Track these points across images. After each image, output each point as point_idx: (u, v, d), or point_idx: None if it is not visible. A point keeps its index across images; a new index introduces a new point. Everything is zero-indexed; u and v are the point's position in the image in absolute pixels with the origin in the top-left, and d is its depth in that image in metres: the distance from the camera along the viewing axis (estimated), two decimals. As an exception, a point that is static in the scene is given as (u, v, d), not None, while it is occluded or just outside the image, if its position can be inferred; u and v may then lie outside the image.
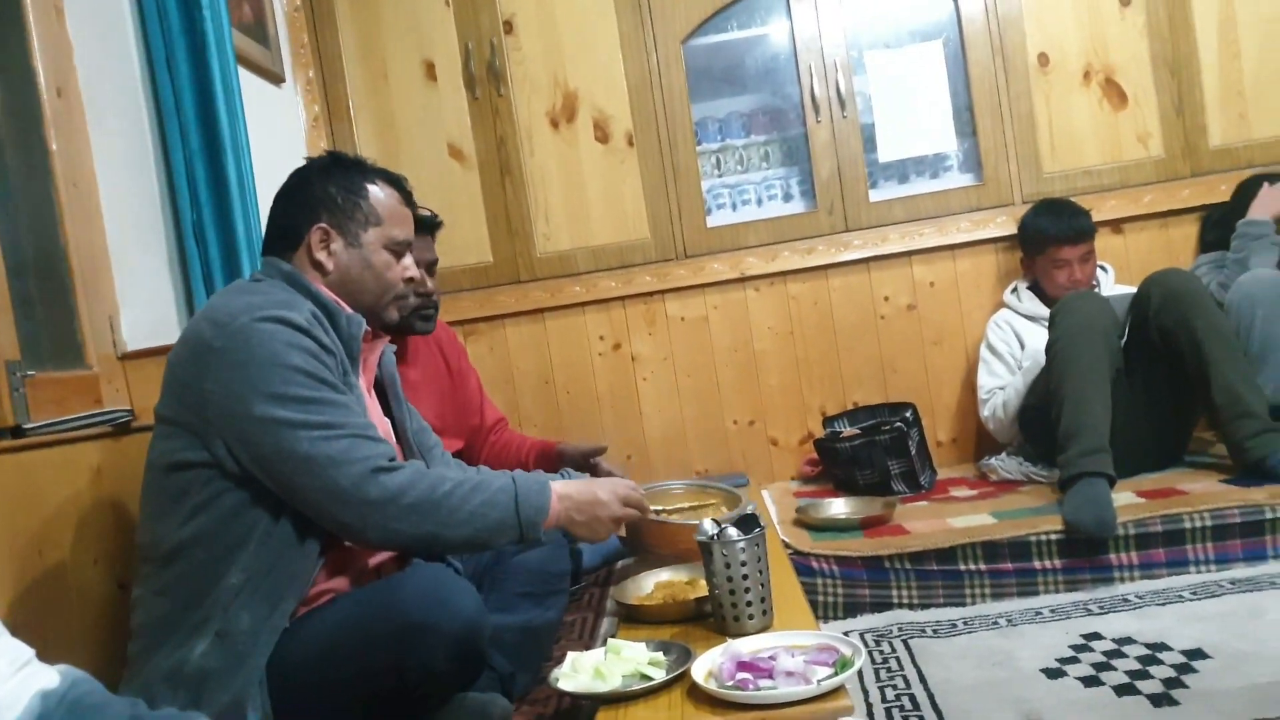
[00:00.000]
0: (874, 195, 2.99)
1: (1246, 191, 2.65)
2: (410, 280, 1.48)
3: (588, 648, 1.56)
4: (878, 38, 3.01)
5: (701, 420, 2.99)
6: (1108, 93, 2.92)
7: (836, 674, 1.19)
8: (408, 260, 1.47)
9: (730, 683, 1.21)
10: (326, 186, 1.43)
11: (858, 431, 2.67)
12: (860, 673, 1.73)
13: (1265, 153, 2.85)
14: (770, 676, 1.20)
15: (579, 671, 1.33)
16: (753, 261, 2.95)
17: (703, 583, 1.62)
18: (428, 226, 1.96)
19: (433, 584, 1.27)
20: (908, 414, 2.67)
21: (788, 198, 3.09)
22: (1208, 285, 2.49)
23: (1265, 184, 2.61)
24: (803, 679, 1.18)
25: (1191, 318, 2.23)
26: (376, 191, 1.45)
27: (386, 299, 1.45)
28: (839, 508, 2.43)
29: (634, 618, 1.60)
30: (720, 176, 3.13)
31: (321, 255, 1.40)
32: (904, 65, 2.99)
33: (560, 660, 1.37)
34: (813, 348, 2.97)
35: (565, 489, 1.42)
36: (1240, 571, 2.00)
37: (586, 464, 2.12)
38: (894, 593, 2.13)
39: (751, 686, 1.18)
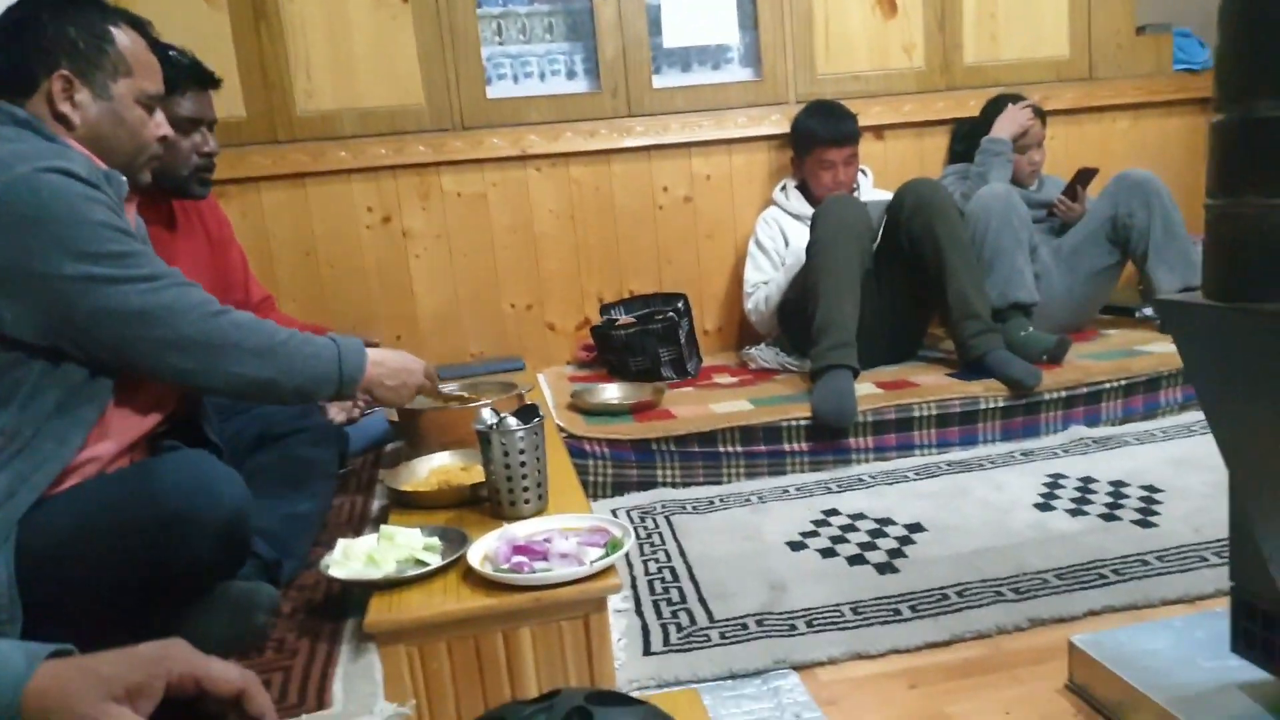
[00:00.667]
0: (657, 81, 2.99)
1: (992, 110, 2.88)
2: (164, 139, 1.34)
3: (357, 533, 1.54)
4: (669, -83, 2.96)
5: (477, 302, 2.94)
6: (880, 1, 3.04)
7: (607, 554, 1.24)
8: (160, 116, 1.34)
9: (505, 566, 1.24)
10: (64, 26, 1.24)
11: (633, 320, 2.74)
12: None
13: (1011, 73, 3.10)
14: (545, 559, 1.24)
15: (351, 558, 1.31)
16: (535, 140, 2.89)
17: (478, 469, 1.63)
18: (209, 81, 1.78)
19: (195, 470, 1.19)
20: (679, 304, 2.76)
21: (571, 74, 3.03)
22: (952, 194, 2.71)
23: (1009, 104, 2.85)
24: (576, 560, 1.23)
25: (936, 225, 2.43)
26: (122, 37, 1.28)
27: (141, 159, 1.33)
28: (611, 393, 2.50)
29: (407, 503, 1.59)
30: (501, 44, 3.00)
31: (65, 107, 1.25)
32: (694, -50, 2.97)
33: (330, 546, 1.34)
34: (593, 234, 2.98)
35: (377, 354, 1.48)
36: (956, 454, 2.27)
37: None
38: (659, 472, 2.24)
39: (527, 569, 1.22)
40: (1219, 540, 1.65)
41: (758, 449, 2.26)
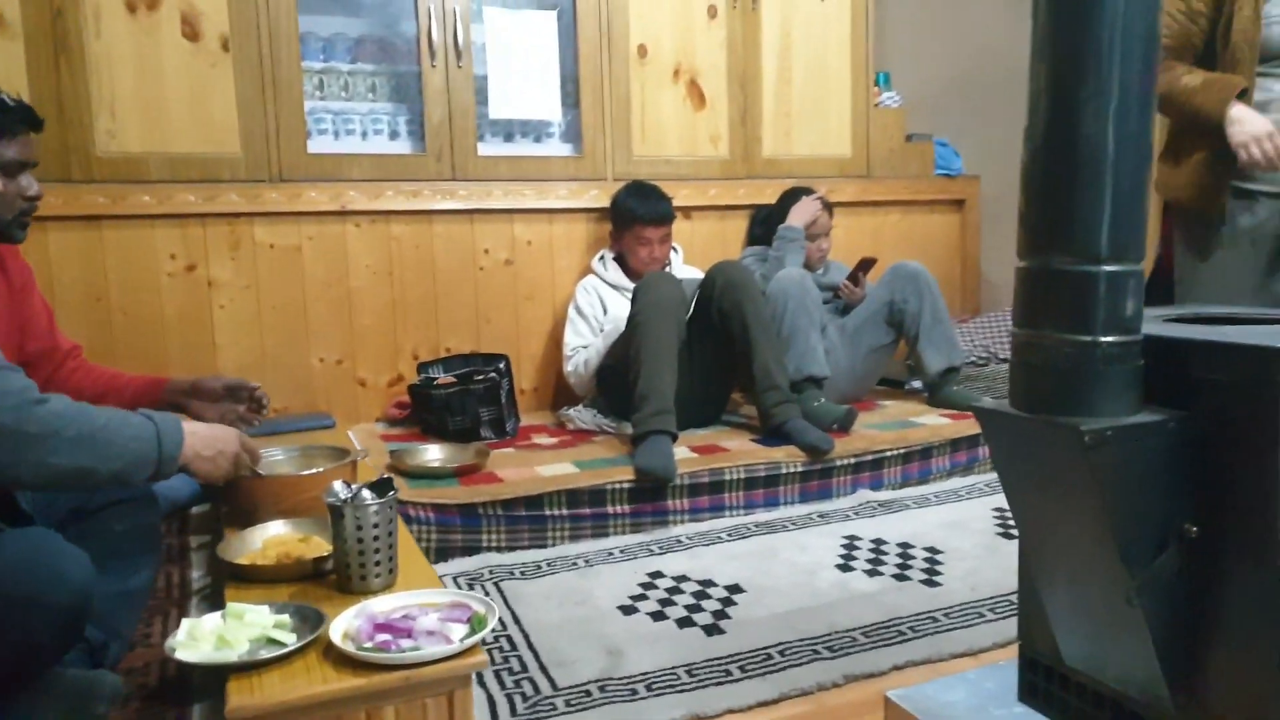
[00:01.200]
0: (482, 149, 3.05)
1: (788, 199, 3.18)
2: (32, 199, 1.30)
3: (182, 609, 1.48)
4: (497, -5, 3.06)
5: (284, 355, 2.85)
6: (691, 93, 3.28)
7: (475, 631, 1.28)
8: (26, 179, 1.29)
9: (369, 644, 1.24)
10: None
11: (453, 379, 2.76)
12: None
13: (802, 167, 3.43)
14: (410, 636, 1.26)
15: (199, 639, 1.26)
16: (355, 196, 2.87)
17: (318, 540, 1.61)
18: (37, 125, 1.66)
19: (36, 550, 1.12)
20: (501, 364, 2.82)
21: (394, 135, 3.04)
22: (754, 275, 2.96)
23: (802, 196, 3.15)
24: (443, 638, 1.25)
25: (744, 304, 2.64)
26: None
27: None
28: (434, 454, 2.50)
29: (244, 578, 1.53)
30: (322, 100, 2.97)
31: None
32: (520, 27, 3.08)
33: (149, 624, 1.29)
34: (411, 291, 2.98)
35: (193, 426, 1.41)
36: (761, 516, 2.46)
37: (199, 393, 1.94)
38: (484, 537, 2.27)
39: (394, 647, 1.23)
40: (992, 598, 1.90)
41: (583, 511, 2.34)
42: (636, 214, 2.94)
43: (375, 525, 1.44)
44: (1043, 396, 1.05)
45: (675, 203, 3.16)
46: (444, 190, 2.97)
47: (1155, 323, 1.16)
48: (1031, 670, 1.29)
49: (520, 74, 3.08)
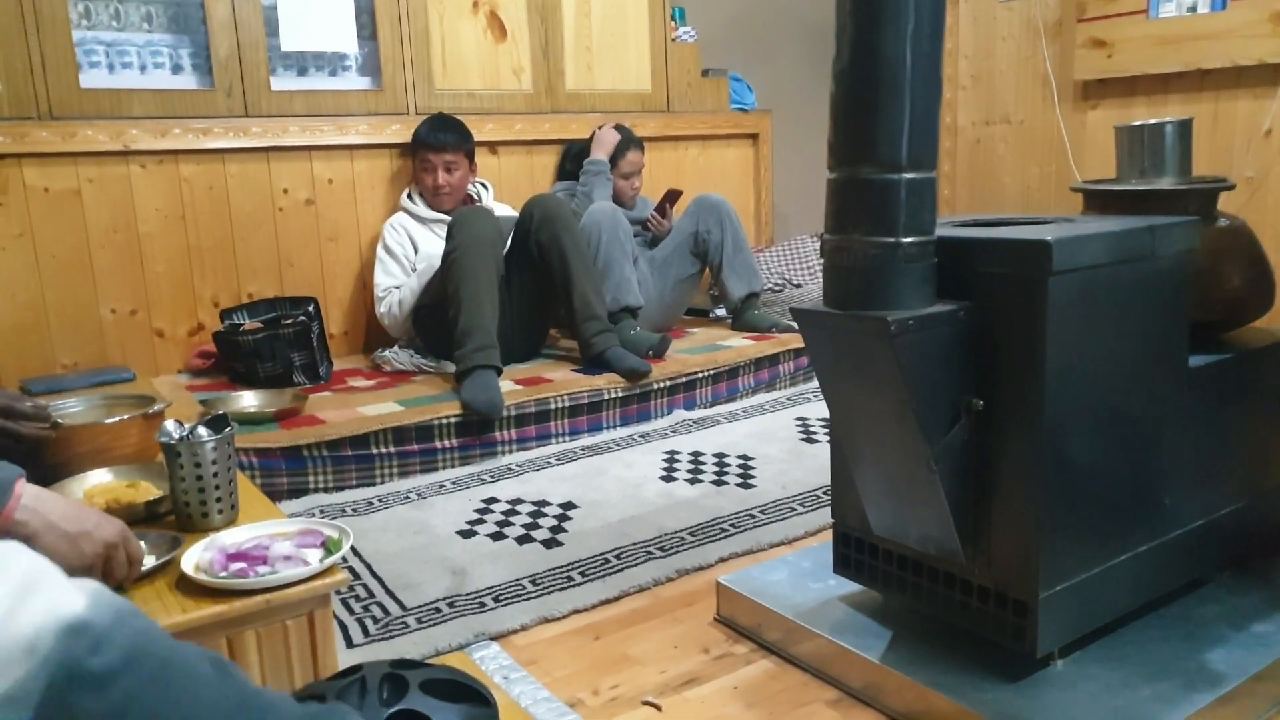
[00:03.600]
0: (275, 83, 2.91)
1: (593, 135, 3.24)
2: None
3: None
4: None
5: (70, 308, 2.64)
6: (492, 25, 3.25)
7: (331, 553, 1.29)
8: None
9: (225, 574, 1.23)
10: None
11: (260, 325, 2.65)
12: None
13: (606, 101, 3.49)
14: (265, 563, 1.26)
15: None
16: (138, 135, 2.66)
17: (146, 485, 1.55)
18: None
19: None
20: (310, 307, 2.73)
21: (177, 69, 2.84)
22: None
23: (603, 128, 3.22)
24: (300, 561, 1.26)
25: (562, 237, 2.70)
26: None
27: None
28: (249, 400, 2.42)
29: (66, 528, 1.45)
30: (90, 29, 2.72)
31: None
32: (310, -47, 2.94)
33: None
34: (206, 235, 2.82)
35: (46, 492, 1.14)
36: (587, 440, 2.55)
37: None
38: (311, 478, 2.23)
39: (252, 574, 1.23)
40: (800, 494, 2.10)
41: (410, 448, 2.35)
42: (418, 138, 2.93)
43: (214, 462, 1.41)
44: (853, 293, 1.18)
45: (481, 137, 3.15)
46: (236, 127, 2.81)
47: (945, 226, 1.33)
48: (845, 544, 1.46)
49: (312, 4, 2.94)
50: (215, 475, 1.42)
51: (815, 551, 1.68)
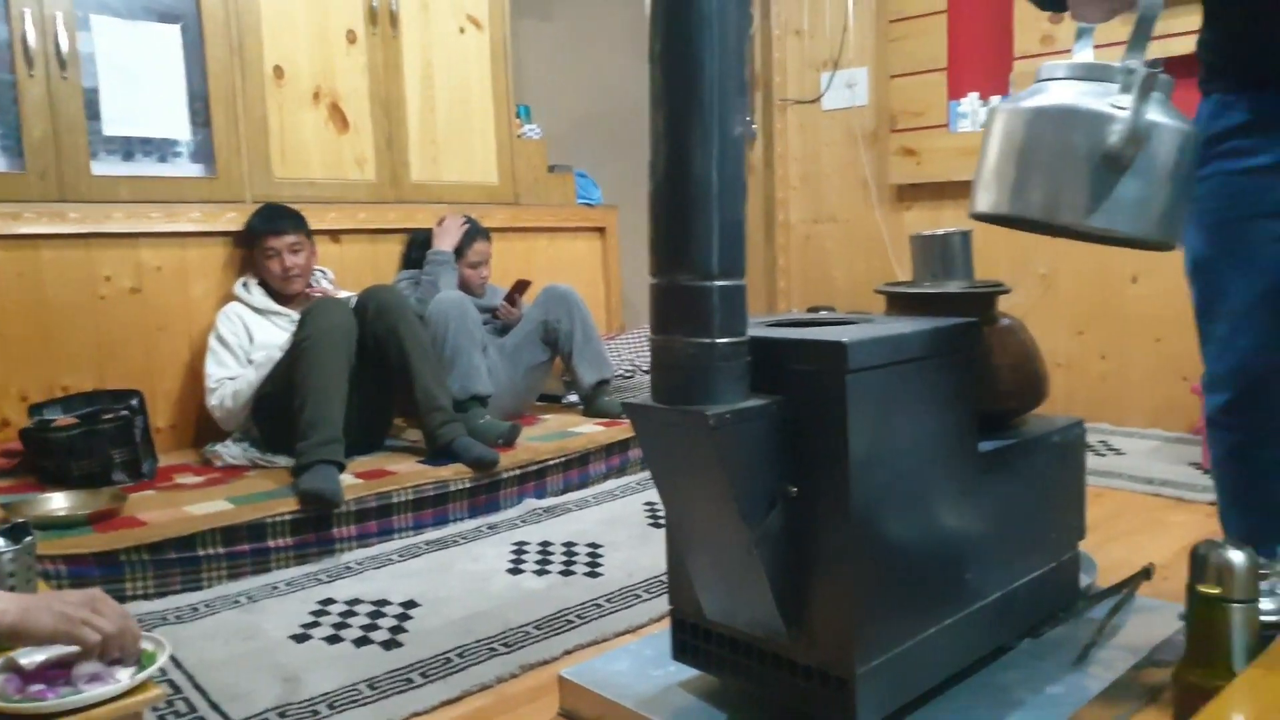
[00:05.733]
0: (96, 168, 2.81)
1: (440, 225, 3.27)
2: None
3: None
4: (106, 3, 2.83)
5: None
6: (334, 116, 3.26)
7: (145, 668, 1.23)
8: None
9: (20, 697, 1.15)
10: None
11: (75, 420, 2.50)
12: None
13: (452, 192, 3.54)
14: (68, 683, 1.18)
15: None
16: (-58, 220, 2.51)
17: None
18: None
19: None
20: (134, 401, 2.61)
21: (-13, 152, 2.70)
22: (409, 299, 3.01)
23: (446, 219, 3.26)
24: (110, 679, 1.19)
25: (400, 328, 2.69)
26: None
27: None
28: (59, 503, 2.27)
29: None
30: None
31: None
32: (137, 39, 2.88)
33: None
34: (14, 325, 2.66)
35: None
36: (432, 534, 2.51)
37: None
38: (129, 585, 2.10)
39: (51, 696, 1.15)
40: (646, 580, 2.13)
41: (241, 549, 2.25)
42: (257, 229, 2.90)
43: (11, 575, 1.32)
44: (676, 390, 1.24)
45: (322, 225, 3.13)
46: (51, 213, 2.69)
47: (758, 326, 1.42)
48: (681, 630, 1.49)
49: (139, 89, 2.88)
50: (14, 590, 1.33)
51: (658, 639, 1.70)
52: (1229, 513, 1.76)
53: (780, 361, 1.29)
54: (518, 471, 2.74)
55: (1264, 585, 1.43)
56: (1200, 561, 1.36)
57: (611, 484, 2.95)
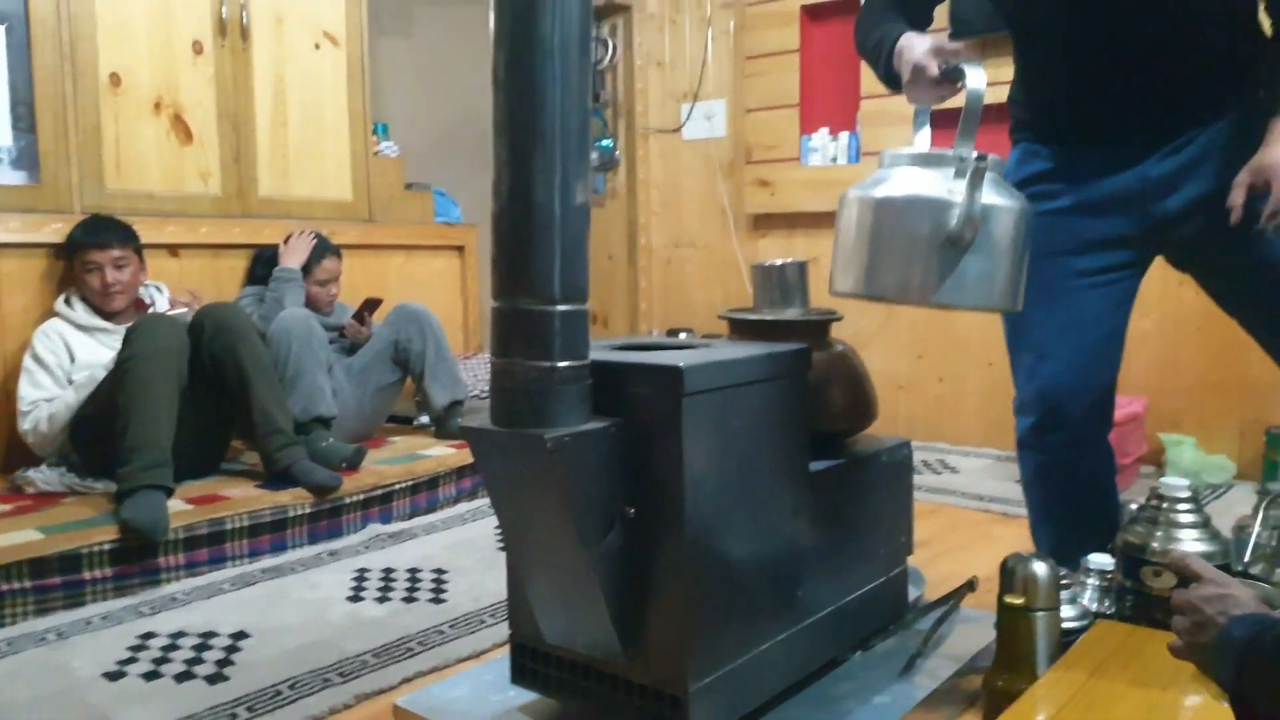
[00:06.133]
0: (-98, 170, 2.59)
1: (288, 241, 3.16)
2: None
3: None
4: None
5: None
6: (176, 127, 3.12)
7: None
8: None
9: None
10: None
11: None
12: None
13: (302, 208, 3.43)
14: None
15: None
16: None
17: None
18: None
19: None
20: (-65, 424, 2.40)
21: None
22: (251, 316, 2.89)
23: (292, 235, 3.15)
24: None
25: (238, 347, 2.57)
26: None
27: None
28: None
29: None
30: None
31: None
32: (-44, 34, 2.69)
33: None
34: None
35: None
36: (268, 561, 2.40)
37: None
38: (-79, 625, 1.93)
39: None
40: (492, 605, 2.10)
41: (51, 582, 2.09)
42: (77, 241, 2.72)
43: None
44: (515, 413, 1.24)
45: (160, 240, 2.99)
46: None
47: (603, 349, 1.43)
48: (520, 654, 1.48)
49: (-44, 88, 2.68)
50: None
51: (498, 664, 1.68)
52: (1038, 528, 1.90)
53: (621, 384, 1.31)
54: (361, 496, 2.66)
55: (1065, 594, 1.53)
56: (1008, 574, 1.45)
57: (462, 507, 2.91)
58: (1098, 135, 1.65)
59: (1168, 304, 3.16)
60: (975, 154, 1.34)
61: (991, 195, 1.37)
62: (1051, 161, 1.68)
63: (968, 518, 2.80)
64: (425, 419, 3.33)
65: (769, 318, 1.65)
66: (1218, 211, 1.49)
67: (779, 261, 1.69)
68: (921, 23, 1.68)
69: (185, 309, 2.77)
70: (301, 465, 2.57)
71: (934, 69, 1.49)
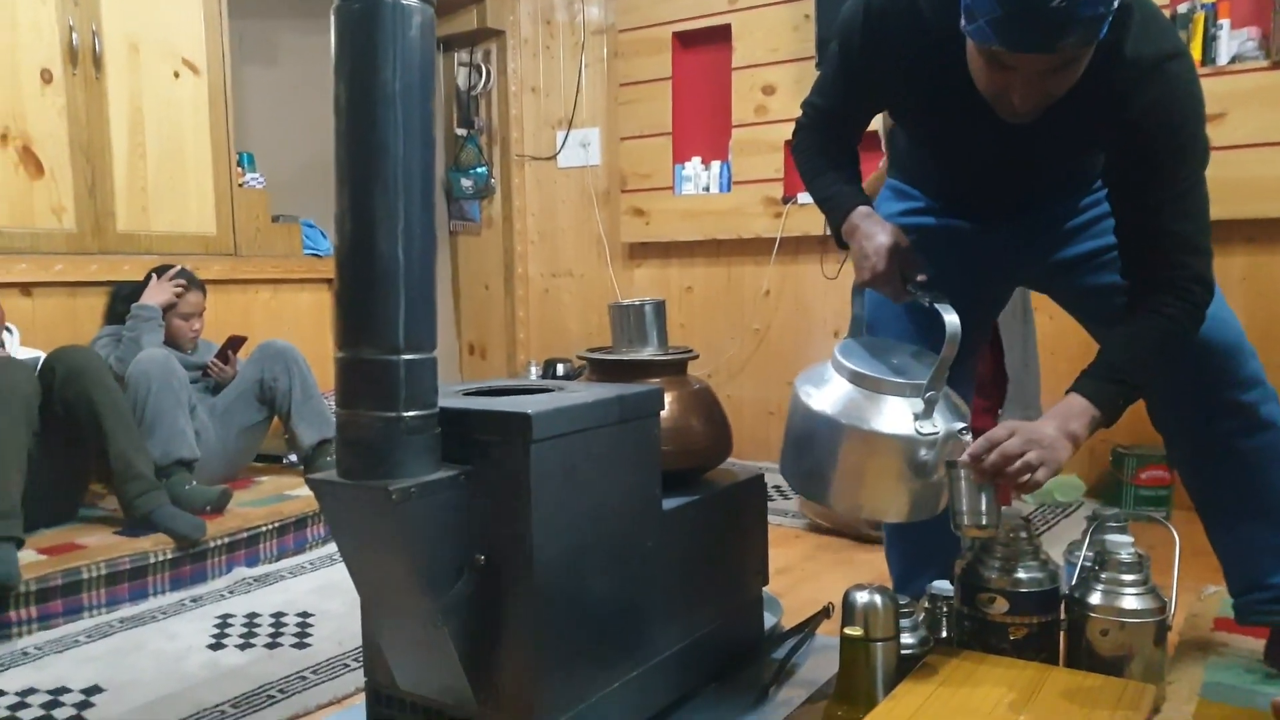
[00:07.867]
0: None
1: (150, 278, 3.07)
2: None
3: None
4: None
5: None
6: (25, 160, 3.00)
7: None
8: None
9: None
10: None
11: None
12: None
13: (164, 244, 3.34)
14: None
15: None
16: None
17: None
18: None
19: None
20: None
21: None
22: (107, 358, 2.79)
23: (154, 275, 3.06)
24: None
25: (93, 392, 2.48)
26: None
27: None
28: None
29: None
30: None
31: None
32: None
33: None
34: None
35: None
36: (127, 611, 2.33)
37: None
38: None
39: None
40: (356, 649, 2.08)
41: (-116, 645, 1.98)
42: None
43: None
44: (360, 464, 1.26)
45: (10, 279, 2.87)
46: None
47: (453, 395, 1.46)
48: (376, 701, 1.49)
49: None
50: None
51: (357, 710, 1.68)
52: (890, 554, 2.01)
53: (470, 432, 1.34)
54: (226, 540, 2.60)
55: (906, 622, 1.61)
56: (849, 606, 1.52)
57: (331, 548, 2.86)
58: (964, 215, 1.82)
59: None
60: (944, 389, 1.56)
61: (953, 425, 1.55)
62: (922, 202, 1.85)
63: (829, 543, 2.90)
64: (295, 458, 3.28)
65: (626, 357, 1.71)
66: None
67: (636, 301, 1.76)
68: (859, 137, 1.80)
69: (38, 354, 2.65)
70: (162, 511, 2.50)
71: (899, 285, 1.63)
